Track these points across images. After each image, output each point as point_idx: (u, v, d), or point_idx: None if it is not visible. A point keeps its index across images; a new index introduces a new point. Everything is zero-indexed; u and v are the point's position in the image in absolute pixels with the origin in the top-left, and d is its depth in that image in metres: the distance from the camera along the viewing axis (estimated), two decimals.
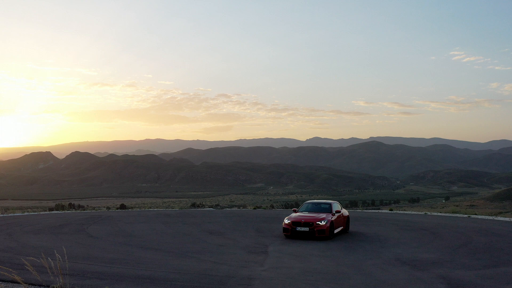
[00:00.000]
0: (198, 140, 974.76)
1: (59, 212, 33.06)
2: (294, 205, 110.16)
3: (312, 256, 13.75)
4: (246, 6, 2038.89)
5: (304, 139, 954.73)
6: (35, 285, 9.33)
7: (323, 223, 17.40)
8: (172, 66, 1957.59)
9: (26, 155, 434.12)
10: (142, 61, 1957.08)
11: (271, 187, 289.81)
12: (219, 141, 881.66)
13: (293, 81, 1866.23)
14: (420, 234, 19.30)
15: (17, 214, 29.34)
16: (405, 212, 32.29)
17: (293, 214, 18.69)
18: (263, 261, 12.78)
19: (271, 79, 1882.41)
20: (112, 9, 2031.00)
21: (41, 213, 31.47)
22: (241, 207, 47.56)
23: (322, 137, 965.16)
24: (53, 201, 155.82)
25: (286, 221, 17.98)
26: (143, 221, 23.97)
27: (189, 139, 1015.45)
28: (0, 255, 13.12)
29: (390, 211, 32.24)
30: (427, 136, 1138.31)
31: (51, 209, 45.89)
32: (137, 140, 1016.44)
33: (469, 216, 27.54)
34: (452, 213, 30.95)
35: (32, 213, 30.54)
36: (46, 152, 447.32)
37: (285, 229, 17.86)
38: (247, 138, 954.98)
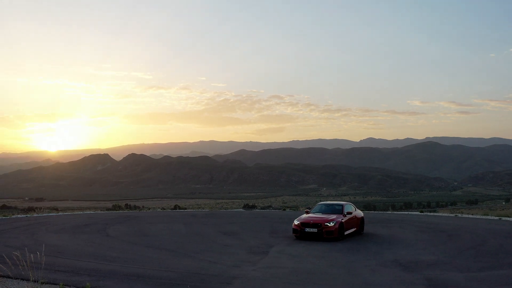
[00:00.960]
0: (251, 142, 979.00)
1: (92, 212, 34.42)
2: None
3: (310, 257, 13.88)
4: (297, 6, 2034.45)
5: (358, 140, 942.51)
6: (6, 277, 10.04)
7: (331, 224, 17.46)
8: (225, 68, 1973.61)
9: (85, 157, 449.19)
10: (196, 64, 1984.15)
11: (324, 189, 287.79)
12: (272, 142, 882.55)
13: (347, 81, 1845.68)
14: (437, 236, 19.10)
15: (52, 214, 30.59)
16: (436, 214, 31.77)
17: (303, 215, 18.80)
18: (259, 261, 13.01)
19: (324, 80, 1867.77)
20: (166, 13, 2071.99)
21: (76, 213, 32.80)
22: (288, 209, 47.39)
23: (376, 137, 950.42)
24: (110, 201, 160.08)
25: (295, 222, 18.15)
26: (167, 222, 24.66)
27: (242, 141, 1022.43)
28: (8, 251, 13.77)
29: (421, 213, 31.81)
30: (487, 136, 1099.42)
31: (108, 209, 47.36)
32: (191, 142, 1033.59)
33: (500, 218, 26.87)
34: (483, 215, 30.08)
35: (67, 213, 31.86)
36: (104, 154, 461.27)
37: (294, 230, 18.03)
38: (300, 139, 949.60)
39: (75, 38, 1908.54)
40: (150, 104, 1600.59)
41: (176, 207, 74.81)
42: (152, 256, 13.79)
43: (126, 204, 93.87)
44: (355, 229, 19.30)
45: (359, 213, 20.20)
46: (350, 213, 18.87)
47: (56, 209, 47.67)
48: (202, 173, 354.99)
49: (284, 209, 42.31)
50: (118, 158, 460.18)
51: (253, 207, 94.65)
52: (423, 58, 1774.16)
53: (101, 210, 39.90)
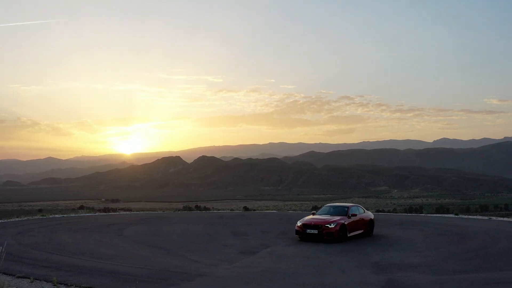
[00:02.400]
0: (320, 143, 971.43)
1: (127, 213, 35.92)
2: (418, 209, 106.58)
3: (295, 258, 14.11)
4: (365, 4, 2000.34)
5: (431, 141, 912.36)
6: None
7: (332, 226, 17.57)
8: (294, 70, 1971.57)
9: (158, 159, 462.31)
10: (265, 66, 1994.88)
11: (395, 190, 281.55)
12: (342, 143, 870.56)
13: (419, 80, 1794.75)
14: (447, 238, 18.87)
15: (88, 214, 32.13)
16: (470, 217, 30.81)
17: (306, 217, 18.96)
18: (239, 261, 13.45)
19: (395, 79, 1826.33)
20: (236, 16, 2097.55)
21: (110, 213, 34.29)
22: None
23: (451, 138, 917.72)
24: (181, 203, 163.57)
25: (298, 223, 18.36)
26: (192, 222, 25.33)
27: (312, 142, 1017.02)
28: (12, 248, 15.14)
29: (456, 216, 30.91)
30: None
31: (178, 210, 48.66)
32: (261, 144, 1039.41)
33: None
34: None
35: (101, 214, 33.43)
36: (176, 156, 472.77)
37: (297, 232, 18.27)
38: (371, 140, 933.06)
39: (147, 44, 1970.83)
40: (221, 107, 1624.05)
41: (245, 208, 75.71)
42: (143, 254, 14.52)
43: (196, 206, 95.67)
44: (362, 231, 19.28)
45: (368, 215, 20.13)
46: (355, 215, 18.91)
47: (120, 209, 49.32)
48: (271, 175, 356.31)
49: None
50: (189, 160, 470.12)
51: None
52: (500, 53, 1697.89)
53: (161, 211, 40.98)
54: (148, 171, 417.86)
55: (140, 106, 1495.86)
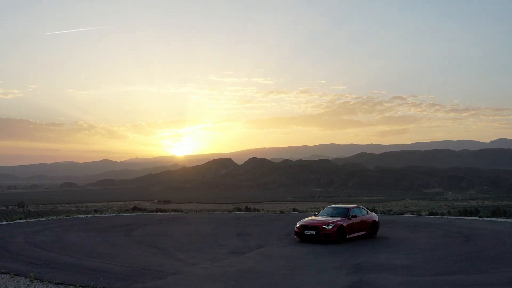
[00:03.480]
0: (372, 144, 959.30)
1: (149, 213, 36.53)
2: (474, 211, 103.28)
3: (281, 258, 14.32)
4: (417, 4, 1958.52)
5: (488, 141, 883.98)
6: None
7: (329, 227, 17.70)
8: (345, 71, 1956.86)
9: (209, 161, 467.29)
10: (315, 68, 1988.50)
11: (450, 192, 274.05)
12: (394, 144, 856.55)
13: (475, 79, 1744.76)
14: (451, 241, 18.74)
15: (112, 215, 32.91)
16: (501, 220, 29.69)
17: (306, 218, 19.13)
18: (222, 260, 13.82)
19: (449, 78, 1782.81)
20: (285, 18, 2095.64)
21: (131, 214, 35.06)
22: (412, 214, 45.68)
23: (509, 138, 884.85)
24: (232, 204, 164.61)
25: (297, 224, 18.58)
26: (204, 223, 25.82)
27: (363, 143, 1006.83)
28: (16, 247, 16.09)
29: (480, 218, 30.47)
30: None
31: (230, 211, 49.20)
32: (312, 145, 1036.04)
33: None
34: None
35: (124, 214, 34.13)
36: (227, 158, 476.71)
37: (296, 233, 18.48)
38: (424, 141, 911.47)
39: (199, 48, 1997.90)
40: (271, 109, 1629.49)
41: (294, 210, 75.62)
42: (136, 253, 15.07)
43: (246, 207, 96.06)
44: (364, 232, 19.27)
45: (371, 217, 20.00)
46: (355, 216, 18.92)
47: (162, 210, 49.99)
48: (321, 176, 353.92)
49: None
50: (240, 162, 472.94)
51: (373, 211, 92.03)
52: None
53: (222, 211, 41.14)
54: (199, 173, 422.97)
55: (192, 109, 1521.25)
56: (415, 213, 48.31)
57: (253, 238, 19.26)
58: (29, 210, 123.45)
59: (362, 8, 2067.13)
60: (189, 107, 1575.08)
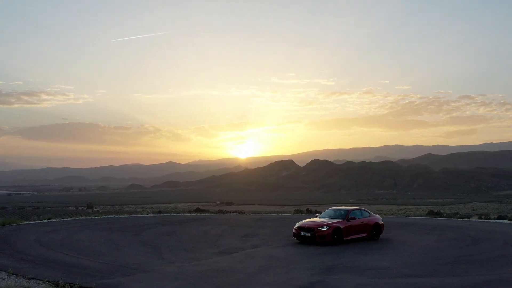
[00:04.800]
0: (438, 145, 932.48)
1: (181, 214, 36.85)
2: None
3: (262, 258, 14.60)
4: (485, 1, 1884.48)
5: None
6: None
7: (324, 229, 17.83)
8: (409, 70, 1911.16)
9: (271, 163, 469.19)
10: (379, 68, 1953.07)
11: None
12: (462, 145, 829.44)
13: None
14: (456, 244, 18.63)
15: (139, 215, 33.68)
16: None
17: (304, 220, 19.33)
18: (204, 259, 14.30)
19: None
20: (348, 19, 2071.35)
21: (154, 215, 35.75)
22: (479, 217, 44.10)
23: None
24: (292, 206, 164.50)
25: (295, 226, 18.80)
26: (221, 224, 26.21)
27: (429, 144, 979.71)
28: (21, 244, 17.08)
29: (510, 221, 29.49)
30: None
31: (292, 213, 49.32)
32: (375, 146, 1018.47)
33: None
34: None
35: (151, 215, 35.08)
36: (289, 160, 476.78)
37: (293, 234, 18.69)
38: (494, 142, 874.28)
39: (261, 50, 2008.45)
40: (333, 110, 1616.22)
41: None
42: (127, 252, 15.76)
43: (307, 209, 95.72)
44: (365, 234, 19.32)
45: (374, 219, 19.95)
46: (354, 218, 18.97)
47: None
48: (385, 178, 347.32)
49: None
50: (302, 164, 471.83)
51: (438, 213, 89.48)
52: None
53: (284, 213, 41.40)
54: (261, 175, 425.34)
55: (254, 111, 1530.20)
56: (483, 217, 46.61)
57: (256, 239, 19.64)
58: (98, 210, 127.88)
59: (427, 5, 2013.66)
60: (251, 109, 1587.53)
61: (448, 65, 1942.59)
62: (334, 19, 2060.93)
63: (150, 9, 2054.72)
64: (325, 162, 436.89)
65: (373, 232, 19.68)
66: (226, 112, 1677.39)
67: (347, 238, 18.44)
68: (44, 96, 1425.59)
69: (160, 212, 51.15)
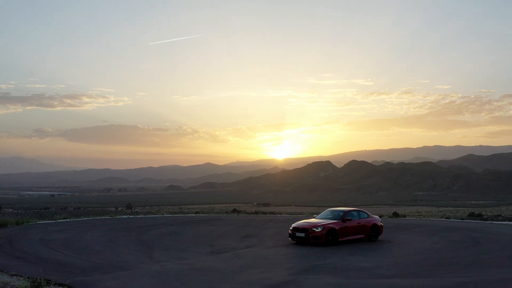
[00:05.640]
0: (480, 146, 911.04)
1: (193, 215, 37.49)
2: None
3: (248, 258, 14.82)
4: None
5: None
6: None
7: (318, 229, 17.92)
8: (450, 69, 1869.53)
9: (308, 164, 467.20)
10: (418, 67, 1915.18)
11: None
12: (506, 145, 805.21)
13: None
14: (454, 245, 18.52)
15: (156, 216, 34.51)
16: None
17: (300, 221, 19.50)
18: (191, 258, 14.65)
19: None
20: (386, 18, 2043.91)
21: (167, 215, 35.83)
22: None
23: None
24: (329, 208, 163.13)
25: (291, 227, 18.97)
26: (229, 224, 26.43)
27: (470, 145, 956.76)
28: (22, 243, 17.74)
29: None
30: None
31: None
32: (414, 147, 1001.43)
33: None
34: None
35: (165, 215, 35.44)
36: (326, 161, 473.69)
37: (289, 235, 18.87)
38: None
39: (298, 51, 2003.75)
40: (372, 110, 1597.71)
41: (395, 214, 73.67)
42: (120, 251, 16.25)
43: None
44: (363, 236, 19.40)
45: (372, 220, 19.99)
46: (349, 219, 18.98)
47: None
48: (424, 180, 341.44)
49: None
50: (339, 165, 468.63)
51: (479, 215, 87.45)
52: None
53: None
54: (299, 176, 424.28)
55: (291, 112, 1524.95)
56: None
57: (254, 239, 19.91)
58: (136, 211, 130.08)
59: (467, 3, 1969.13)
60: (288, 110, 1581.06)
61: (490, 63, 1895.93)
62: (371, 18, 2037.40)
63: (186, 12, 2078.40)
64: (363, 163, 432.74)
65: (371, 233, 19.73)
66: (263, 113, 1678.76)
67: (342, 239, 18.55)
68: (85, 99, 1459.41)
69: (197, 212, 51.65)
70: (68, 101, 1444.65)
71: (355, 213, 19.75)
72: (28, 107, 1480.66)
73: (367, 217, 20.08)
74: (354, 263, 14.22)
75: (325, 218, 19.45)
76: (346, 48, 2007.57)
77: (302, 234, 18.23)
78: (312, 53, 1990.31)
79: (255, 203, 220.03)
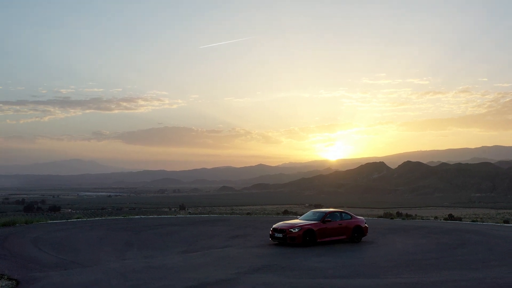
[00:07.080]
0: None
1: (216, 215, 37.61)
2: None
3: (215, 258, 15.19)
4: None
5: None
6: None
7: (295, 230, 18.27)
8: (510, 67, 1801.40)
9: (361, 165, 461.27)
10: (476, 65, 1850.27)
11: None
12: None
13: None
14: (440, 247, 18.65)
15: (168, 216, 35.39)
16: None
17: (280, 222, 19.74)
18: (157, 257, 15.30)
19: None
20: (442, 15, 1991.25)
21: (187, 216, 37.10)
22: None
23: None
24: (383, 209, 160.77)
25: (271, 228, 19.28)
26: (227, 225, 26.68)
27: None
28: (16, 241, 18.47)
29: None
30: None
31: (379, 217, 48.50)
32: (472, 147, 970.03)
33: None
34: None
35: (177, 216, 36.87)
36: (380, 162, 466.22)
37: (270, 235, 19.17)
38: None
39: (351, 51, 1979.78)
40: (427, 110, 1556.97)
41: (450, 216, 72.02)
42: (101, 249, 16.98)
43: (398, 212, 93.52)
44: (344, 237, 19.59)
45: (355, 221, 20.11)
46: (329, 220, 19.17)
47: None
48: (482, 181, 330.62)
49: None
50: (393, 166, 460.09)
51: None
52: None
53: (373, 217, 41.07)
54: (351, 177, 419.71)
55: (344, 113, 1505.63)
56: None
57: (239, 239, 20.38)
58: (189, 212, 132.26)
59: None
60: (341, 111, 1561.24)
61: None
62: (425, 16, 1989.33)
63: (236, 14, 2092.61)
64: (418, 164, 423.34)
65: (354, 234, 19.86)
66: (316, 114, 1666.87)
67: (321, 240, 18.79)
68: (141, 102, 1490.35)
69: (249, 213, 52.27)
70: (125, 104, 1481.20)
71: (337, 214, 20.02)
72: (87, 111, 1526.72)
73: (350, 218, 20.23)
74: (310, 264, 14.45)
75: (307, 219, 19.74)
76: (400, 47, 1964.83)
77: (280, 235, 18.61)
78: (365, 53, 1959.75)
79: (307, 205, 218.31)
